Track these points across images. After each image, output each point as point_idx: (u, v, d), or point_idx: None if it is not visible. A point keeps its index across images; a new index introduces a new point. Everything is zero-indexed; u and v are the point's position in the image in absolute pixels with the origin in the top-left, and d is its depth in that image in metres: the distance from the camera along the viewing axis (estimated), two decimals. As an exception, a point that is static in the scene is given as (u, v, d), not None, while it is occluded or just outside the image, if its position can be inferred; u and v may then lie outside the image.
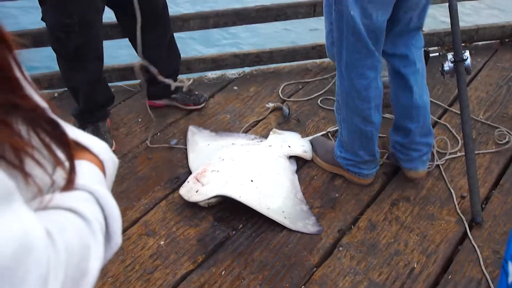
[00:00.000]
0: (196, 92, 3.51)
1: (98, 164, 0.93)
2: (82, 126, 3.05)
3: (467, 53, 2.59)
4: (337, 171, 2.92)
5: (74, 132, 0.90)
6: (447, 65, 2.63)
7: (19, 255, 0.62)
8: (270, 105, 3.46)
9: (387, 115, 3.12)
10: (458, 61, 2.59)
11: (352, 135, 2.70)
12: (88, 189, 0.83)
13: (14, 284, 0.62)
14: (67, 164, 0.80)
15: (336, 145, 2.87)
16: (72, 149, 0.82)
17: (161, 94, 3.40)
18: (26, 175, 0.69)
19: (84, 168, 0.88)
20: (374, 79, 2.52)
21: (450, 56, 2.62)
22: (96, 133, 3.04)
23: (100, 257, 0.79)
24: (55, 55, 2.93)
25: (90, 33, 2.83)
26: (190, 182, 2.73)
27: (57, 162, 0.76)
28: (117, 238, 0.85)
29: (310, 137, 3.19)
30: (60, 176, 0.80)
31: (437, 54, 2.78)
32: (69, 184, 0.81)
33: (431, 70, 2.70)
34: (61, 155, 0.78)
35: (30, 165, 0.70)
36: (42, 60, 5.62)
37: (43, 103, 0.77)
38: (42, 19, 2.82)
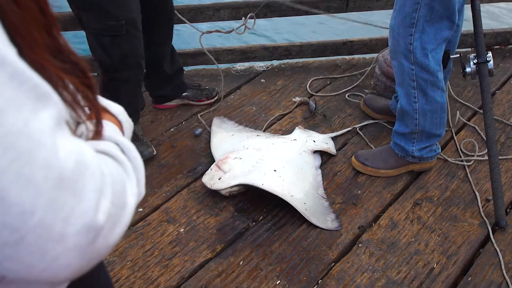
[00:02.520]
0: (207, 87, 3.51)
1: (117, 124, 0.99)
2: None
3: (489, 55, 2.56)
4: (405, 170, 2.90)
5: None
6: (469, 66, 2.61)
7: (79, 168, 0.68)
8: (297, 99, 3.45)
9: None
10: (481, 62, 2.56)
11: (433, 116, 2.69)
12: (114, 140, 0.88)
13: (76, 194, 0.67)
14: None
15: (399, 145, 2.84)
16: (99, 103, 0.88)
17: (172, 95, 3.41)
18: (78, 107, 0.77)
19: (107, 124, 0.93)
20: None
21: (472, 57, 2.60)
22: (134, 137, 2.95)
23: (135, 193, 0.83)
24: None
25: (136, 36, 2.72)
26: (212, 169, 2.72)
27: (85, 114, 0.81)
28: (142, 188, 0.88)
29: (334, 134, 3.17)
30: (88, 128, 0.85)
31: (458, 55, 2.75)
32: (98, 135, 0.86)
33: (460, 71, 2.68)
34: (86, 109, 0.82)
35: (67, 112, 0.75)
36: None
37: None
38: (84, 28, 2.72)
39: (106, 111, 0.99)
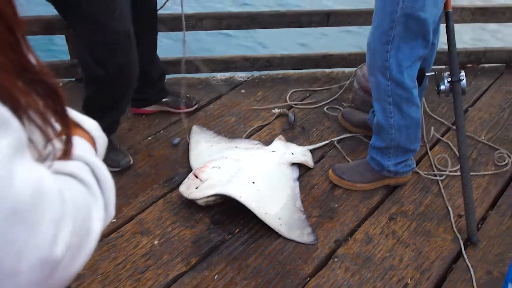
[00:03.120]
0: (188, 95, 3.50)
1: (90, 140, 0.96)
2: None
3: (463, 74, 2.62)
4: (381, 184, 2.92)
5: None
6: (444, 84, 2.66)
7: (36, 198, 0.65)
8: (277, 110, 3.46)
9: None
10: (455, 81, 2.62)
11: (408, 132, 2.72)
12: (84, 160, 0.86)
13: (32, 225, 0.64)
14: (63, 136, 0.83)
15: (376, 159, 2.86)
16: (70, 120, 0.85)
17: (151, 99, 3.38)
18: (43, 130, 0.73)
19: (79, 142, 0.90)
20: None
21: (446, 75, 2.65)
22: (110, 146, 2.83)
23: (101, 219, 0.81)
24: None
25: (132, 48, 2.67)
26: (189, 178, 2.71)
27: (55, 132, 0.78)
28: (111, 209, 0.86)
29: (312, 146, 3.19)
30: (57, 147, 0.81)
31: (433, 73, 2.80)
32: (67, 154, 0.83)
33: (435, 88, 2.74)
34: (57, 126, 0.80)
35: (30, 131, 0.72)
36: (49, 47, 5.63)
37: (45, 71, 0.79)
38: (77, 41, 2.66)
39: (79, 126, 0.96)
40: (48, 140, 0.77)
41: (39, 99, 0.74)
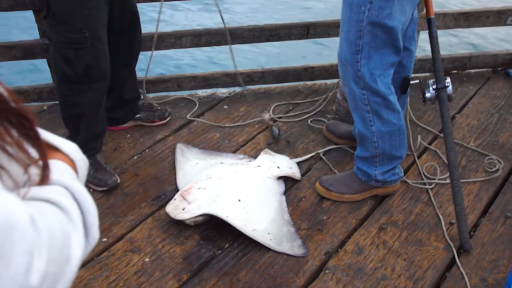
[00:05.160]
0: (159, 107, 3.53)
1: (69, 163, 0.93)
2: None
3: (448, 80, 2.62)
4: (369, 194, 2.91)
5: (43, 133, 0.89)
6: (429, 92, 2.66)
7: (4, 231, 0.63)
8: (266, 117, 3.44)
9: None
10: (440, 88, 2.62)
11: (392, 138, 2.71)
12: (63, 184, 0.83)
13: (2, 259, 0.63)
14: (39, 162, 0.80)
15: (362, 169, 2.85)
16: (44, 145, 0.83)
17: (126, 118, 3.41)
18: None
19: (57, 166, 0.88)
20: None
21: (431, 82, 2.65)
22: (97, 166, 2.95)
23: (81, 244, 0.79)
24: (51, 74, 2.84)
25: (99, 49, 2.72)
26: (176, 199, 2.70)
27: (30, 159, 0.76)
28: (95, 232, 0.85)
29: (298, 159, 3.18)
30: (34, 173, 0.80)
31: (418, 81, 2.81)
32: (44, 179, 0.81)
33: (420, 96, 2.74)
34: (33, 152, 0.78)
35: (4, 160, 0.71)
36: (32, 72, 5.61)
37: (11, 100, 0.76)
38: (46, 36, 2.72)
39: (57, 150, 0.94)
40: (23, 168, 0.75)
41: (11, 127, 0.72)
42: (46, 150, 0.84)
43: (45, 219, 0.72)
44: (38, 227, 0.69)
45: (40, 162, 0.80)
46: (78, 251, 0.77)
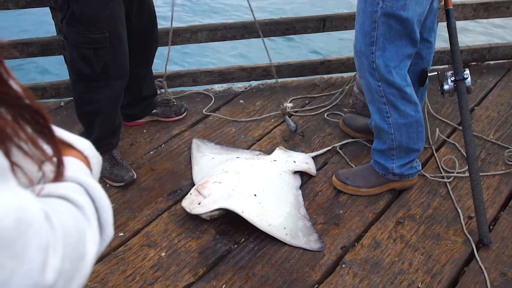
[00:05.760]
0: (176, 103, 3.53)
1: (83, 160, 0.93)
2: None
3: (467, 72, 2.58)
4: (386, 188, 2.88)
5: (57, 130, 0.88)
6: (447, 84, 2.63)
7: (19, 227, 0.63)
8: (286, 105, 3.41)
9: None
10: (459, 80, 2.58)
11: (409, 131, 2.68)
12: (77, 181, 0.83)
13: (17, 254, 0.63)
14: (54, 158, 0.80)
15: (379, 162, 2.83)
16: (58, 142, 0.82)
17: (142, 114, 3.42)
18: (13, 164, 0.70)
19: (71, 163, 0.88)
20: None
21: (449, 74, 2.62)
22: (114, 162, 2.95)
23: (96, 241, 0.79)
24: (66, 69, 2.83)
25: (119, 48, 2.72)
26: (192, 194, 2.69)
27: (44, 156, 0.76)
28: (109, 229, 0.84)
29: (314, 153, 3.16)
30: (48, 170, 0.79)
31: (436, 73, 2.77)
32: (58, 176, 0.81)
33: (438, 88, 2.71)
34: (47, 149, 0.77)
35: (18, 157, 0.70)
36: (50, 67, 5.65)
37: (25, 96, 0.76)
38: (64, 37, 2.70)
39: (71, 147, 0.94)
40: (38, 164, 0.75)
41: (25, 124, 0.72)
42: (60, 147, 0.84)
43: (60, 216, 0.72)
44: (53, 224, 0.69)
45: (55, 159, 0.80)
46: (93, 248, 0.77)
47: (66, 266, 0.70)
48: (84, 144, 0.96)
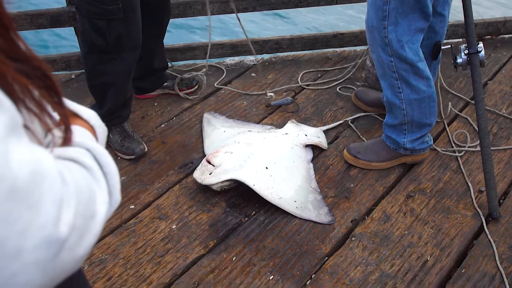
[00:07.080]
0: (187, 76, 3.52)
1: (89, 129, 0.95)
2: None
3: (481, 45, 2.56)
4: (398, 162, 2.88)
5: (64, 100, 0.90)
6: (460, 57, 2.60)
7: (34, 179, 0.64)
8: (269, 95, 3.42)
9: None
10: (472, 53, 2.56)
11: (421, 106, 2.67)
12: (85, 146, 0.85)
13: (32, 206, 0.64)
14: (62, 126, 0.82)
15: (391, 137, 2.83)
16: (66, 107, 0.84)
17: (153, 87, 3.42)
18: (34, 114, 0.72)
19: (79, 130, 0.90)
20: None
21: (463, 47, 2.59)
22: (125, 135, 2.96)
23: (106, 202, 0.80)
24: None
25: (132, 20, 2.69)
26: (203, 164, 2.70)
27: (53, 121, 0.77)
28: (117, 194, 0.85)
29: (326, 127, 3.15)
30: (57, 136, 0.81)
31: (449, 46, 2.75)
32: (66, 141, 0.83)
33: (451, 62, 2.69)
34: (56, 116, 0.79)
35: (28, 120, 0.72)
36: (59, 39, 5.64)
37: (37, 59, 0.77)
38: (76, 8, 2.68)
39: (77, 116, 0.96)
40: (46, 128, 0.77)
41: (34, 88, 0.73)
42: (68, 114, 0.86)
43: (72, 174, 0.73)
44: (66, 180, 0.70)
45: (63, 125, 0.81)
46: (103, 208, 0.78)
47: (79, 222, 0.71)
48: (90, 114, 0.98)
